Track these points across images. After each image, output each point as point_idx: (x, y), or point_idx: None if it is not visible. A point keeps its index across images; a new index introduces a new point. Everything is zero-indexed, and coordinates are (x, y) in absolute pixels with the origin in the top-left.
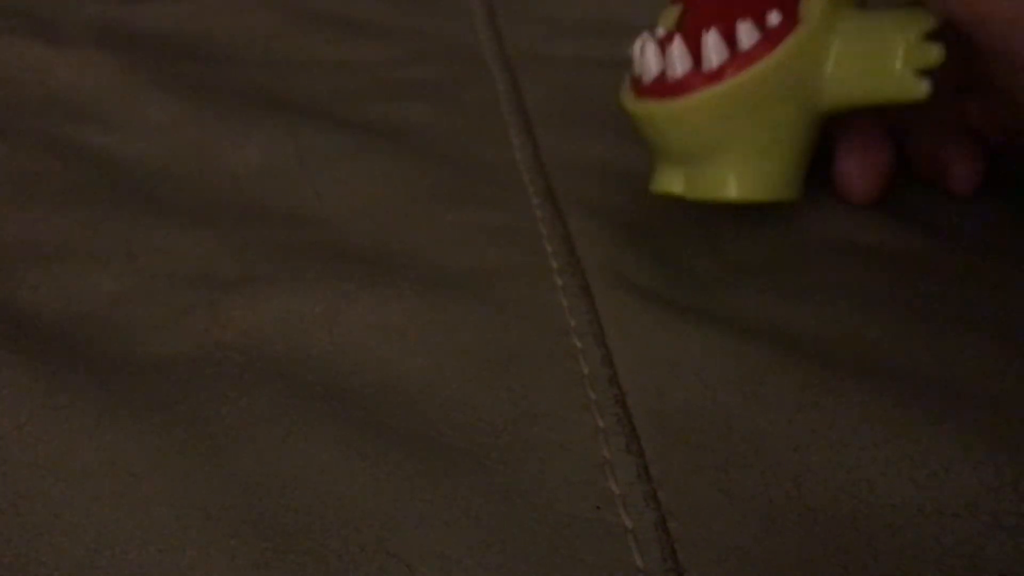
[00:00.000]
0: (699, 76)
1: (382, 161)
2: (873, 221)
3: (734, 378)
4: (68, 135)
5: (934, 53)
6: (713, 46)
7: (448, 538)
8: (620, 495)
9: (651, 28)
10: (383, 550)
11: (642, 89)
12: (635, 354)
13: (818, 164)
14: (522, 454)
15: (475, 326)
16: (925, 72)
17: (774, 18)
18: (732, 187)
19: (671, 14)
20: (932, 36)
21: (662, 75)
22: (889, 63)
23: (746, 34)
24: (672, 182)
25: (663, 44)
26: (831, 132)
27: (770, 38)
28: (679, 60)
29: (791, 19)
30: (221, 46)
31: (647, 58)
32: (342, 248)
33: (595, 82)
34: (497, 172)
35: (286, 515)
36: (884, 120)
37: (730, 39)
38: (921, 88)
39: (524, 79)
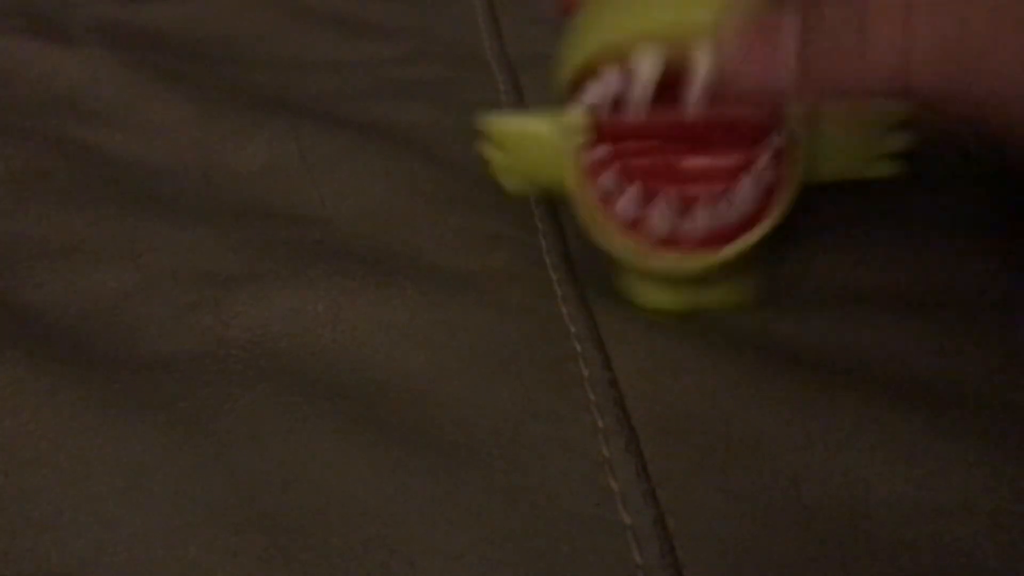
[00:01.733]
0: (731, 228)
1: (384, 161)
2: (867, 226)
3: (732, 383)
4: (72, 134)
5: (902, 142)
6: (746, 195)
7: (450, 534)
8: (620, 492)
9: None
10: (385, 546)
11: (658, 242)
12: (634, 359)
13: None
14: (523, 451)
15: (477, 327)
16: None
17: (774, 140)
18: (734, 296)
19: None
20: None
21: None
22: (864, 152)
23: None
24: (662, 299)
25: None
26: None
27: (782, 164)
28: (705, 217)
29: (778, 127)
30: (224, 46)
31: (660, 214)
32: (345, 248)
33: None
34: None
35: (289, 511)
36: None
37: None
38: (891, 168)
39: (525, 79)
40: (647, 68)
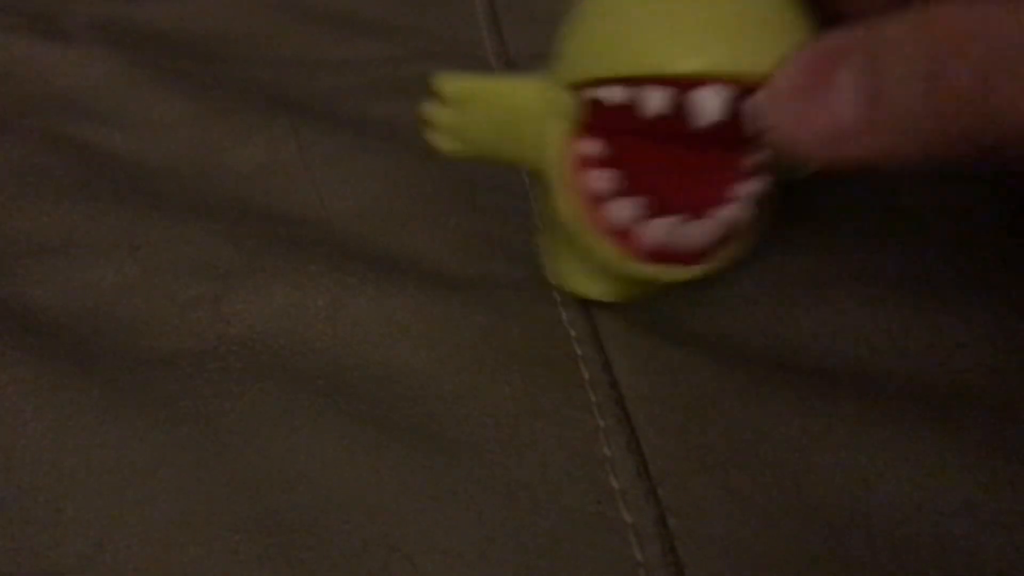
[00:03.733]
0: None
1: (383, 160)
2: (868, 230)
3: (733, 385)
4: (71, 132)
5: None
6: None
7: (450, 532)
8: (620, 491)
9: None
10: (385, 544)
11: (648, 253)
12: (634, 362)
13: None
14: (524, 448)
15: (477, 327)
16: None
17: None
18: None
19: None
20: None
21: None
22: None
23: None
24: (604, 290)
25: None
26: None
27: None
28: (698, 234)
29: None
30: (223, 44)
31: (659, 228)
32: (344, 247)
33: None
34: (498, 173)
35: (289, 510)
36: None
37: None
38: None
39: None
40: (656, 104)
